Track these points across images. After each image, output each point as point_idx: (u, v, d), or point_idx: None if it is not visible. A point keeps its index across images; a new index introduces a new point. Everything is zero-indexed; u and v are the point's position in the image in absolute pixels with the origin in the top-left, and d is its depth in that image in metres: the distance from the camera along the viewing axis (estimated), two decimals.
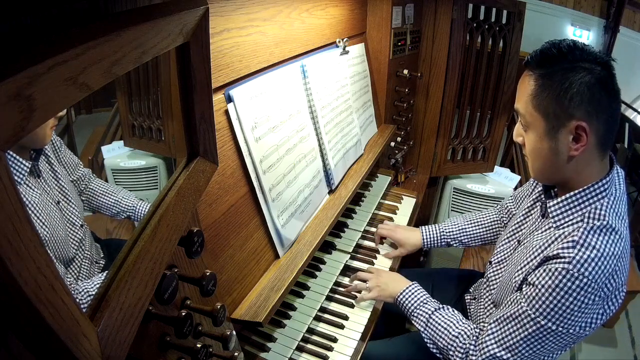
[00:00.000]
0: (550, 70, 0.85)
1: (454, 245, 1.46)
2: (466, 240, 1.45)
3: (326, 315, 1.21)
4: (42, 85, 0.34)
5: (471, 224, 1.45)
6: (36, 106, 0.34)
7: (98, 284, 0.57)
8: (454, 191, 2.33)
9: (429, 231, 1.46)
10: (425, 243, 1.45)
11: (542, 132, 0.88)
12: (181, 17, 0.55)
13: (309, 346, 1.11)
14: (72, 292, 0.41)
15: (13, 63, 0.32)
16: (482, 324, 1.04)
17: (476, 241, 1.45)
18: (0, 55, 0.33)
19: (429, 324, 1.10)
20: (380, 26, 1.68)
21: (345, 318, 1.20)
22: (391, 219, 1.66)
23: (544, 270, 0.86)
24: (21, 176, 0.54)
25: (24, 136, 0.34)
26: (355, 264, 1.42)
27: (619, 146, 4.61)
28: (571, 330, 0.86)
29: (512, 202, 1.36)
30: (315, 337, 1.13)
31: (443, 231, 1.45)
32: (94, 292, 0.55)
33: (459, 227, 1.46)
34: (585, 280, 0.81)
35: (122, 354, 0.50)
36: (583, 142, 0.84)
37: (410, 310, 1.15)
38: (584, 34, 5.38)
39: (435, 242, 1.45)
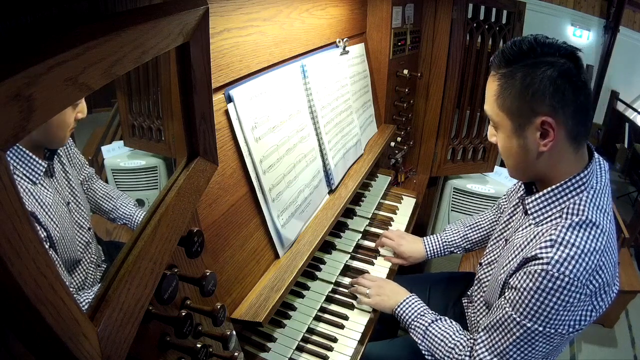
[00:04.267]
0: (512, 68, 0.84)
1: (457, 252, 1.46)
2: (469, 246, 1.45)
3: (326, 316, 1.21)
4: (42, 85, 0.34)
5: (471, 229, 1.45)
6: (36, 106, 0.34)
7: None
8: (454, 191, 2.33)
9: (432, 243, 1.45)
10: (429, 255, 1.45)
11: (510, 131, 0.88)
12: (181, 17, 0.55)
13: (309, 346, 1.11)
14: None
15: (13, 63, 0.32)
16: (475, 333, 1.03)
17: (479, 245, 1.45)
18: (0, 55, 0.33)
19: (426, 336, 1.09)
20: (380, 26, 1.68)
21: (345, 318, 1.20)
22: (391, 219, 1.66)
23: (524, 273, 0.85)
24: (37, 176, 0.53)
25: (24, 137, 0.34)
26: (355, 264, 1.42)
27: (619, 146, 4.61)
28: (560, 330, 0.85)
29: (505, 201, 1.36)
30: (315, 337, 1.13)
31: (445, 241, 1.45)
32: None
33: (460, 234, 1.45)
34: (566, 279, 0.79)
35: (122, 354, 0.50)
36: (550, 137, 0.83)
37: (408, 322, 1.14)
38: (584, 34, 5.38)
39: (438, 253, 1.45)
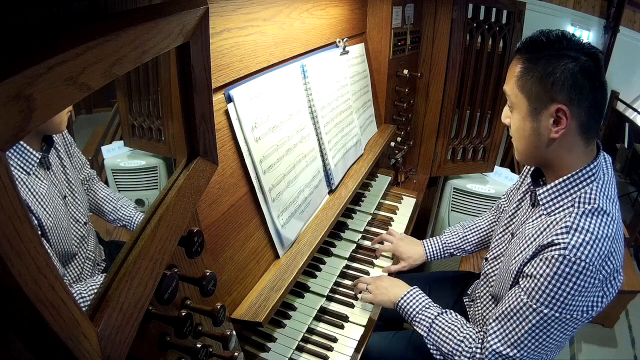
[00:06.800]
0: (537, 55, 0.88)
1: (457, 254, 1.46)
2: (469, 247, 1.45)
3: (326, 316, 1.21)
4: (42, 85, 0.34)
5: (471, 230, 1.45)
6: (36, 106, 0.34)
7: (92, 286, 0.57)
8: (454, 191, 2.33)
9: (432, 245, 1.45)
10: (429, 257, 1.45)
11: (525, 113, 0.92)
12: (181, 17, 0.55)
13: (309, 346, 1.11)
14: None
15: (13, 63, 0.32)
16: (484, 326, 1.03)
17: (479, 246, 1.45)
18: (0, 55, 0.33)
19: (432, 330, 1.08)
20: (380, 26, 1.68)
21: (345, 318, 1.20)
22: (391, 219, 1.66)
23: (541, 260, 0.87)
24: (30, 166, 0.54)
25: (24, 137, 0.34)
26: (355, 264, 1.42)
27: (619, 146, 4.61)
28: (575, 315, 0.87)
29: (505, 200, 1.37)
30: (315, 337, 1.13)
31: (445, 243, 1.45)
32: (87, 295, 0.55)
33: (459, 236, 1.45)
34: (582, 264, 0.82)
35: (122, 354, 0.50)
36: (563, 125, 0.87)
37: (411, 316, 1.13)
38: (584, 34, 5.38)
39: (438, 255, 1.45)
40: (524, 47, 0.91)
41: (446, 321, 1.08)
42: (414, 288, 1.18)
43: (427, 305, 1.13)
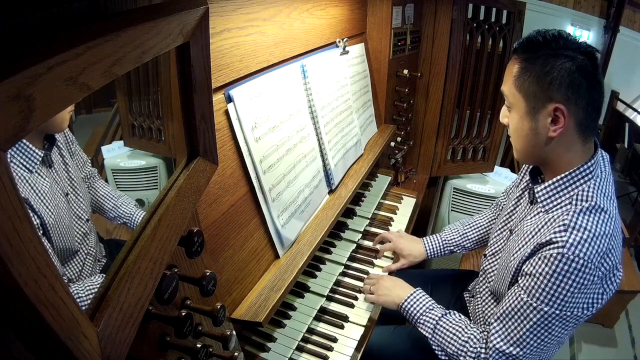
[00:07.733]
0: (534, 55, 0.89)
1: (457, 251, 1.46)
2: (469, 244, 1.45)
3: (326, 316, 1.21)
4: (42, 85, 0.34)
5: (470, 227, 1.45)
6: (36, 106, 0.34)
7: (89, 287, 0.57)
8: (454, 191, 2.33)
9: (432, 242, 1.46)
10: (429, 255, 1.45)
11: (523, 112, 0.93)
12: (181, 17, 0.55)
13: (309, 346, 1.11)
14: None
15: (13, 63, 0.32)
16: (486, 325, 1.03)
17: (478, 244, 1.45)
18: (0, 55, 0.33)
19: (436, 331, 1.09)
20: (380, 26, 1.68)
21: (345, 318, 1.20)
22: (391, 219, 1.66)
23: (539, 258, 0.88)
24: (33, 164, 0.54)
25: (24, 137, 0.34)
26: (355, 264, 1.42)
27: (619, 146, 4.61)
28: (575, 312, 0.87)
29: (504, 198, 1.38)
30: (315, 337, 1.13)
31: (445, 240, 1.45)
32: (84, 295, 0.55)
33: (459, 233, 1.46)
34: (581, 261, 0.83)
35: (122, 354, 0.50)
36: (560, 124, 0.88)
37: (415, 318, 1.13)
38: (584, 34, 5.38)
39: (439, 252, 1.45)
40: (521, 47, 0.92)
41: (450, 322, 1.08)
42: (417, 290, 1.18)
43: (430, 307, 1.13)
